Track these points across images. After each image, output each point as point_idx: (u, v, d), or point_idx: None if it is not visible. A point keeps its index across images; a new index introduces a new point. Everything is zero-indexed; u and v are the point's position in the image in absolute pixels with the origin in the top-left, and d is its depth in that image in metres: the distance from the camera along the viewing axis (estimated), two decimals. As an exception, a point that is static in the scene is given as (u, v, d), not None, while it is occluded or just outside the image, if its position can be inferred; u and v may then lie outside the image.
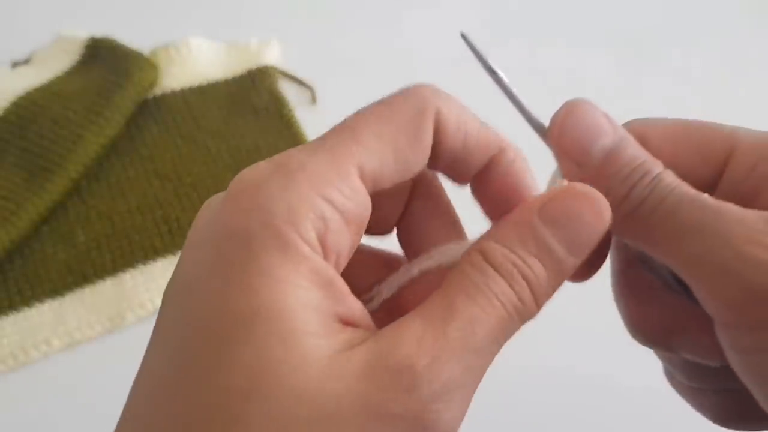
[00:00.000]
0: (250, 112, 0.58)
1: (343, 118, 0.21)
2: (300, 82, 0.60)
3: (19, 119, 0.54)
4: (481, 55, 0.24)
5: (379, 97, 0.21)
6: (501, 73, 0.24)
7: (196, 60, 0.61)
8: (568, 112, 0.22)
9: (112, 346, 0.46)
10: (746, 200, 0.21)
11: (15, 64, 0.61)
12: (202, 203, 0.20)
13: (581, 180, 0.22)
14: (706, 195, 0.21)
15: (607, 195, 0.21)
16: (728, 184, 0.23)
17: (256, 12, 0.68)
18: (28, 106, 0.55)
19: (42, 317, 0.46)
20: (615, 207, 0.21)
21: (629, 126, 0.23)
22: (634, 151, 0.22)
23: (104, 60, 0.59)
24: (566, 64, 0.63)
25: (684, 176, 0.22)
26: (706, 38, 0.66)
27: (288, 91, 0.60)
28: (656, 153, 0.22)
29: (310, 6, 0.69)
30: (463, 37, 0.24)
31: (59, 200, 0.51)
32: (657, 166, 0.22)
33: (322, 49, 0.64)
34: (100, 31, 0.61)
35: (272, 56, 0.62)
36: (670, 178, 0.21)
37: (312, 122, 0.57)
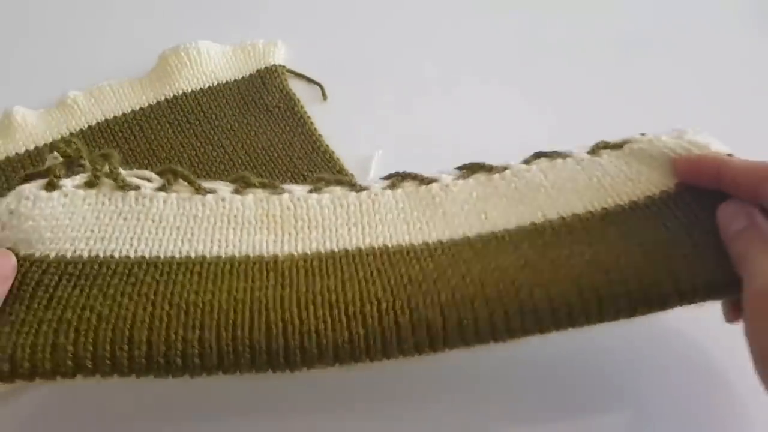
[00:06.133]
0: (263, 111, 0.59)
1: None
2: (309, 80, 0.62)
3: None
4: None
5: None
6: None
7: (205, 62, 0.63)
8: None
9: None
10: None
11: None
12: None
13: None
14: None
15: None
16: None
17: (259, 15, 0.70)
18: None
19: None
20: None
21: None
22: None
23: None
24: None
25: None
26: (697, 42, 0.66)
27: (297, 89, 0.61)
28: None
29: (311, 7, 0.70)
30: None
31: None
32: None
33: (326, 49, 0.65)
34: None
35: (279, 56, 0.64)
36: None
37: (323, 119, 0.58)
